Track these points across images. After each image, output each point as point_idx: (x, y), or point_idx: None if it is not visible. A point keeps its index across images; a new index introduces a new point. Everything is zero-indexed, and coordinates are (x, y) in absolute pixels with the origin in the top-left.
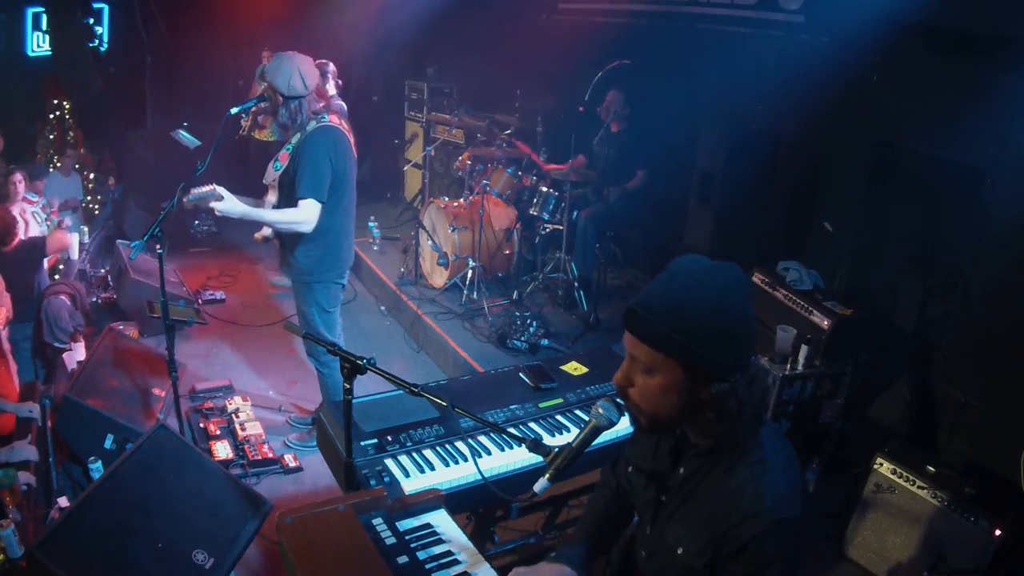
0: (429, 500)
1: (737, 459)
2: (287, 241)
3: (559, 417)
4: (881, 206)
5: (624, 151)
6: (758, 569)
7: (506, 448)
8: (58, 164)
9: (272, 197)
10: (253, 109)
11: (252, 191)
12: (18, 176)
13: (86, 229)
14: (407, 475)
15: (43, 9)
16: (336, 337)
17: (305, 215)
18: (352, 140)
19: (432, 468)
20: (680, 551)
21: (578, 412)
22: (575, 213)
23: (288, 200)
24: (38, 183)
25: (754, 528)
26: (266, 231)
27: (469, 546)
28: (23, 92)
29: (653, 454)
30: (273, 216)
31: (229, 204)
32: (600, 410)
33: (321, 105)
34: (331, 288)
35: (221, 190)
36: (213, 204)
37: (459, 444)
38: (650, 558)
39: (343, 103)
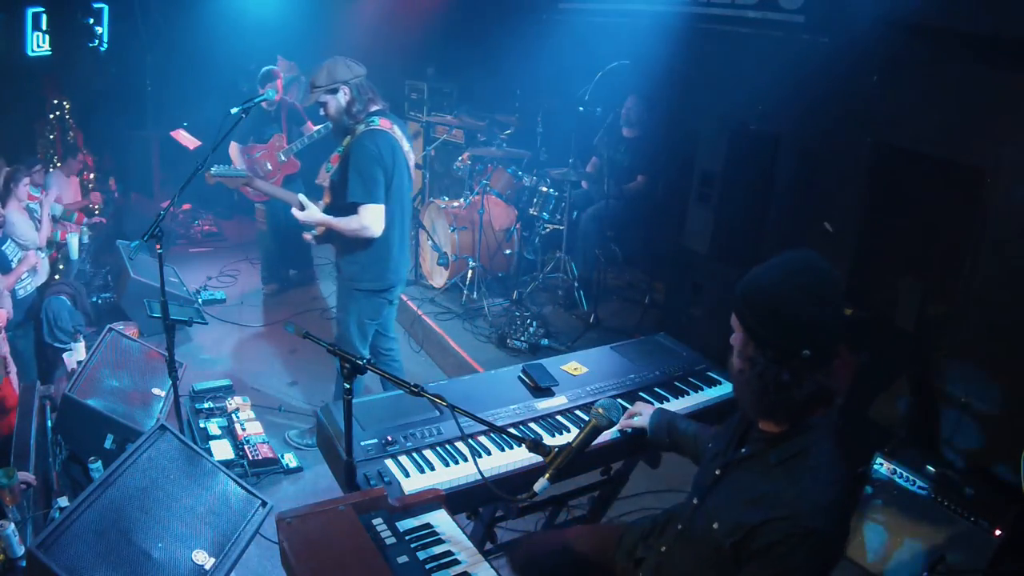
0: (429, 500)
1: (792, 457)
2: (339, 246)
3: (559, 417)
4: (881, 206)
5: (635, 157)
6: (780, 573)
7: (506, 448)
8: (58, 164)
9: (328, 199)
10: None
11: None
12: (26, 179)
13: (86, 229)
14: (407, 475)
15: (43, 9)
16: (366, 353)
17: (365, 220)
18: (407, 148)
19: (432, 468)
20: (716, 526)
21: (578, 412)
22: (575, 213)
23: (339, 203)
24: (36, 176)
25: (786, 529)
26: (316, 231)
27: (469, 546)
28: (23, 92)
29: (729, 434)
30: (342, 224)
31: (310, 213)
32: (600, 410)
33: (374, 109)
34: (375, 301)
35: (302, 199)
36: (295, 212)
37: (459, 444)
38: (686, 531)
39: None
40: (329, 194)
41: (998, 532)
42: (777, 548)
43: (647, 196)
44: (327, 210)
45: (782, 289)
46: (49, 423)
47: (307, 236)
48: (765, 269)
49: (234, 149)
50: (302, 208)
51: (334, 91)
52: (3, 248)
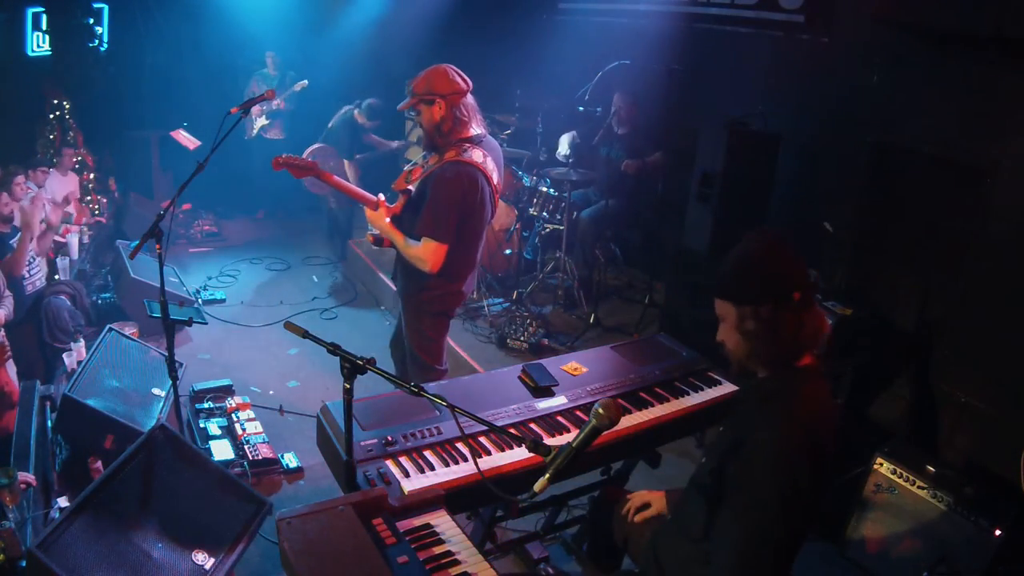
0: (429, 500)
1: (774, 395)
2: (404, 263)
3: (559, 417)
4: (881, 206)
5: (630, 153)
6: (749, 501)
7: (506, 448)
8: (55, 163)
9: (400, 204)
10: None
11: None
12: (20, 178)
13: (86, 229)
14: (407, 475)
15: (43, 9)
16: (441, 366)
17: (423, 254)
18: (496, 179)
19: (432, 468)
20: (704, 460)
21: (578, 412)
22: (575, 213)
23: (408, 215)
24: (39, 174)
25: (755, 457)
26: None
27: (469, 546)
28: (23, 92)
29: None
30: (401, 243)
31: (380, 216)
32: (600, 410)
33: (472, 132)
34: (438, 319)
35: (381, 199)
36: (368, 211)
37: (459, 444)
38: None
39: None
40: (403, 202)
41: (998, 532)
42: (746, 475)
43: (653, 186)
44: (396, 218)
45: (748, 252)
46: (49, 423)
47: (369, 236)
48: (732, 251)
49: (349, 167)
50: (375, 208)
51: (429, 102)
52: (12, 242)
